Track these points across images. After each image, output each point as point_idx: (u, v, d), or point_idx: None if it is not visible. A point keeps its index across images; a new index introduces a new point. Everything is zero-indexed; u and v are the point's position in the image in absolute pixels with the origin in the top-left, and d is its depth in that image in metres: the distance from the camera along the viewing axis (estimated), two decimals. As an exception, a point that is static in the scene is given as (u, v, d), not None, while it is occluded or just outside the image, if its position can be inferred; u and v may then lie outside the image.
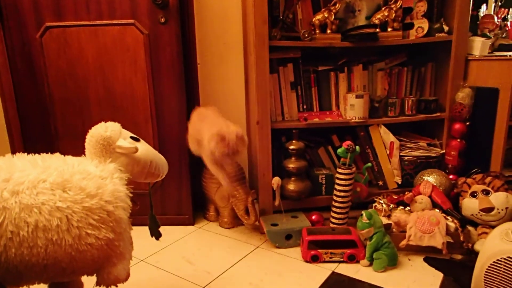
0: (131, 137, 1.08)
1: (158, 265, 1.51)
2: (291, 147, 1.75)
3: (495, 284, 1.17)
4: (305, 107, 1.87)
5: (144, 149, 1.08)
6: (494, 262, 1.17)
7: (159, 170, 1.10)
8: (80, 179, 0.93)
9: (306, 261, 1.52)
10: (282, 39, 1.72)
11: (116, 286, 0.97)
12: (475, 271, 1.22)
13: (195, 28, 1.91)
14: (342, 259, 1.51)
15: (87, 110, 1.77)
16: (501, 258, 1.15)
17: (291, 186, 1.77)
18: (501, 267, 1.15)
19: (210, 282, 1.39)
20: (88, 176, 0.94)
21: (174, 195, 1.84)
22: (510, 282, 1.14)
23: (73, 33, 1.69)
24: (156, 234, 1.19)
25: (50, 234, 0.88)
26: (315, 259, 1.51)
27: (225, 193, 1.76)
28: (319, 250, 1.50)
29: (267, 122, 1.72)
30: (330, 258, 1.51)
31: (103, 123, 1.06)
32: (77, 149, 1.12)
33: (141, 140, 1.11)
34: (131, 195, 1.02)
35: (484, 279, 1.19)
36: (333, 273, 1.45)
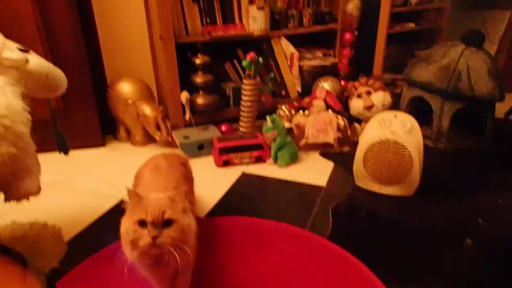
0: (20, 49, 1.00)
1: (74, 187, 1.51)
2: (197, 61, 1.77)
3: (370, 163, 1.43)
4: (208, 20, 1.86)
5: (36, 61, 1.01)
6: (370, 146, 1.42)
7: (57, 83, 1.05)
8: (-36, 95, 0.86)
9: (219, 166, 1.65)
10: None
11: (28, 199, 0.97)
12: (356, 155, 1.47)
13: None
14: (251, 161, 1.67)
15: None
16: (375, 142, 1.40)
17: (200, 100, 1.82)
18: (375, 149, 1.41)
19: (128, 194, 1.45)
20: (-26, 92, 0.87)
21: (79, 118, 1.76)
22: (381, 161, 1.41)
23: None
24: (64, 149, 1.17)
25: None
26: (226, 164, 1.65)
27: (133, 112, 1.75)
28: (230, 155, 1.64)
29: (170, 36, 1.69)
30: (240, 161, 1.66)
31: (-19, 33, 0.95)
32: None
33: (31, 51, 1.03)
34: (29, 109, 0.97)
35: (363, 161, 1.45)
36: (243, 173, 1.61)
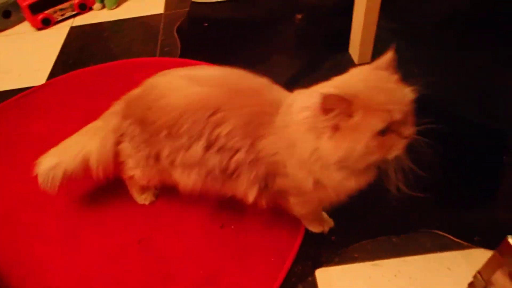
0: None
1: None
2: None
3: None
4: None
5: None
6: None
7: None
8: None
9: (39, 29, 1.41)
10: None
11: None
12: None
13: None
14: (75, 12, 1.45)
15: None
16: None
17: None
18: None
19: None
20: None
21: None
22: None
23: None
24: None
25: None
26: (47, 23, 1.40)
27: None
28: (47, 12, 1.39)
29: None
30: (63, 15, 1.43)
31: None
32: None
33: None
34: None
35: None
36: (72, 28, 1.41)
